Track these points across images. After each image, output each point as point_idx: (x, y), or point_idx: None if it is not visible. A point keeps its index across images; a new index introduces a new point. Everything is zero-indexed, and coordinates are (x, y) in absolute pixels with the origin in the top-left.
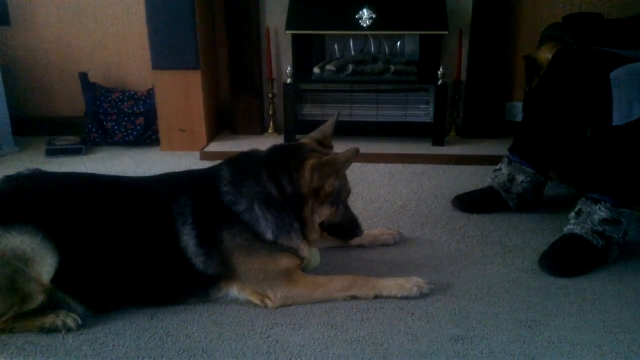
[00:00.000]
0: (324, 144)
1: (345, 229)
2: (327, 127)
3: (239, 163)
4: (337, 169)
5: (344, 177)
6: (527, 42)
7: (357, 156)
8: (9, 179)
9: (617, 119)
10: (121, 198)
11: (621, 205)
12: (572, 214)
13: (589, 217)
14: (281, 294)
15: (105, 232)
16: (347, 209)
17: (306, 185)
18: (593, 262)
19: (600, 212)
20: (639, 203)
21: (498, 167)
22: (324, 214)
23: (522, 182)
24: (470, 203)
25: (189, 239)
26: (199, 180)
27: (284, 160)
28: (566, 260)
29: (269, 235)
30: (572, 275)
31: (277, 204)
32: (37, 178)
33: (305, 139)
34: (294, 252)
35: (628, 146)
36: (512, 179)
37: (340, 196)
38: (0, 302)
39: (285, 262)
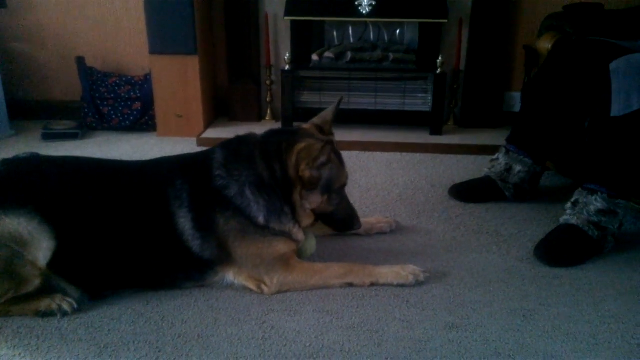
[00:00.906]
0: (324, 130)
1: (338, 220)
2: (327, 113)
3: (233, 146)
4: (312, 156)
5: (337, 167)
6: (526, 32)
7: (327, 149)
8: (5, 162)
9: (616, 110)
10: (118, 181)
11: (617, 196)
12: (569, 204)
13: (585, 208)
14: (277, 280)
15: (102, 216)
16: (342, 200)
17: (292, 169)
18: (588, 252)
19: (596, 203)
20: (635, 194)
21: (495, 156)
22: (314, 201)
23: (519, 171)
24: (467, 192)
25: (185, 222)
26: (193, 163)
27: (277, 143)
28: (561, 250)
29: (261, 219)
30: (567, 265)
31: (268, 188)
32: (34, 161)
33: (305, 124)
34: (288, 236)
35: (626, 137)
36: (509, 169)
37: (330, 185)
38: None
39: (281, 246)
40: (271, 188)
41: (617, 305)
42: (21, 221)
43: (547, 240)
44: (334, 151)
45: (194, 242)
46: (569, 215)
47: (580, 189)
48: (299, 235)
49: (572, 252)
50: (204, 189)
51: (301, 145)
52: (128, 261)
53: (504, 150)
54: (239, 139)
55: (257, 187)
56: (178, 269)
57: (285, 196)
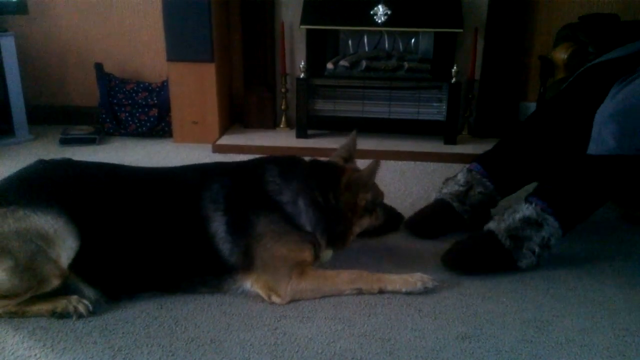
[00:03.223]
0: (351, 160)
1: (387, 226)
2: (352, 145)
3: (285, 163)
4: (363, 183)
5: (374, 185)
6: (542, 42)
7: (379, 167)
8: (41, 162)
9: (593, 150)
10: (147, 187)
11: (552, 213)
12: (502, 212)
13: (512, 214)
14: (291, 287)
15: (128, 219)
16: (385, 208)
17: (344, 202)
18: (497, 262)
19: (525, 211)
20: (573, 225)
21: (453, 175)
22: (364, 223)
23: (479, 192)
24: (422, 225)
25: (219, 225)
26: (238, 170)
27: (329, 176)
28: (467, 257)
29: (308, 227)
30: (472, 273)
31: (320, 208)
32: (68, 164)
33: (332, 158)
34: (317, 249)
35: (593, 174)
36: (470, 188)
37: (375, 204)
38: (18, 279)
39: (307, 254)
40: (323, 210)
41: (632, 318)
42: (48, 219)
43: (454, 246)
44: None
45: (224, 246)
46: (491, 222)
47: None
48: (324, 254)
49: (478, 260)
50: (250, 192)
51: (345, 179)
52: (150, 264)
53: (465, 169)
54: (289, 159)
55: (310, 202)
56: (197, 272)
57: (333, 222)
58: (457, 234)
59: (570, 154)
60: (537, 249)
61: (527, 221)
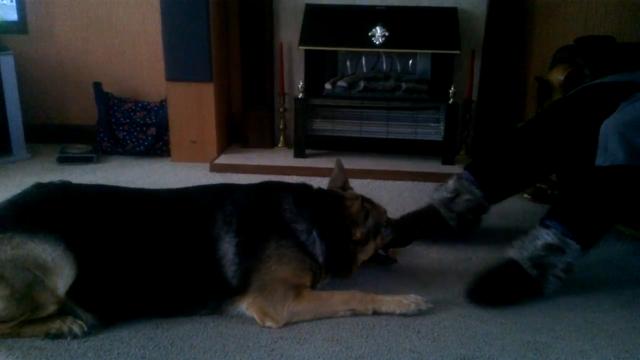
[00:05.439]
0: (345, 188)
1: (400, 239)
2: (342, 175)
3: (298, 191)
4: (355, 219)
5: (374, 211)
6: (538, 63)
7: (360, 202)
8: (39, 185)
9: (600, 160)
10: (150, 211)
11: (572, 237)
12: (520, 238)
13: (533, 241)
14: (287, 309)
15: (128, 245)
16: (393, 225)
17: (346, 235)
18: (523, 291)
19: (547, 237)
20: (591, 245)
21: (445, 182)
22: (370, 250)
23: (466, 200)
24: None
25: (228, 247)
26: (251, 193)
27: (334, 209)
28: (492, 288)
29: (320, 259)
30: (499, 304)
31: (327, 240)
32: (66, 188)
33: (333, 190)
34: (317, 278)
35: (604, 187)
36: (457, 195)
37: (378, 227)
38: (13, 307)
39: (307, 280)
40: (330, 241)
41: (632, 340)
42: (46, 247)
43: (478, 280)
44: (363, 199)
45: (230, 267)
46: (512, 250)
47: (537, 225)
48: (323, 281)
49: (504, 291)
50: (266, 216)
51: (346, 215)
52: (153, 290)
53: (455, 177)
54: (303, 187)
55: (322, 235)
56: (199, 295)
57: (338, 251)
58: (447, 240)
59: (570, 165)
60: (562, 275)
61: (549, 248)
